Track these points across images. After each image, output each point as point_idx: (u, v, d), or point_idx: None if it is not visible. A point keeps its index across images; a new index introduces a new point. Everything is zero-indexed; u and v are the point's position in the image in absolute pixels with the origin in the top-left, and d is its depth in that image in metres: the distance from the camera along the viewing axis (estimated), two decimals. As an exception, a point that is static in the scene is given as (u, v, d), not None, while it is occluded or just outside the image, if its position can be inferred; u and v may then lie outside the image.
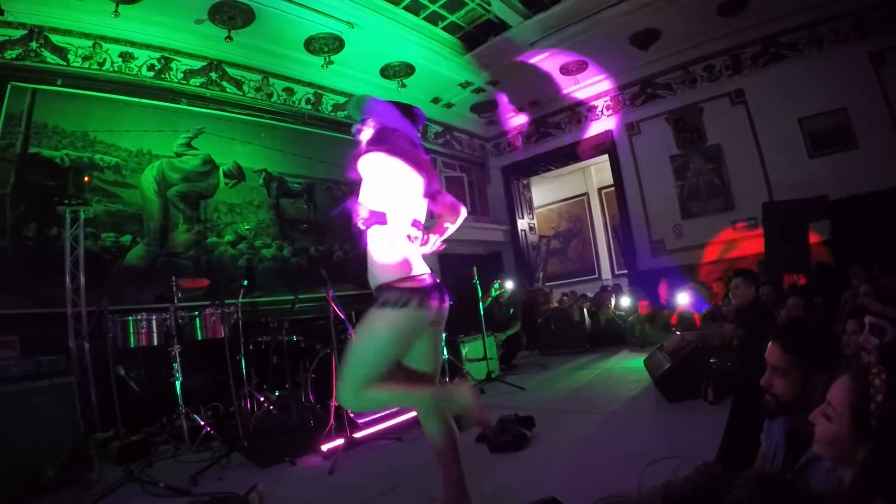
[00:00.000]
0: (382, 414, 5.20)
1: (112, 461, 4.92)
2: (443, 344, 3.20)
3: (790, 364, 2.02)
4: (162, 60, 7.81)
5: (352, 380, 2.77)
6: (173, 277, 5.77)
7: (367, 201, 2.87)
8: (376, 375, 2.73)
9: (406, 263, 2.83)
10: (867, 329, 3.20)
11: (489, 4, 8.62)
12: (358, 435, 4.90)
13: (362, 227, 2.85)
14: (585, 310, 10.57)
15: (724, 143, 10.14)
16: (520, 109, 12.91)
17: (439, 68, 10.35)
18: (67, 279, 6.00)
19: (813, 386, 1.93)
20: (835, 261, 7.52)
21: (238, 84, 8.72)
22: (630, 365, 7.63)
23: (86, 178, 6.54)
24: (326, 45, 9.02)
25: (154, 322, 5.61)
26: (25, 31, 6.64)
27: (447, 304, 3.01)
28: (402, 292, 2.73)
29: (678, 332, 6.31)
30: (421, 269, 2.89)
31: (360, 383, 2.74)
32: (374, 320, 2.76)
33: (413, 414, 5.52)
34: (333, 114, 10.07)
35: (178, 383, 5.38)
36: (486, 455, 4.33)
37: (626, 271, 12.67)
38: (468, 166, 13.47)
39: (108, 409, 5.37)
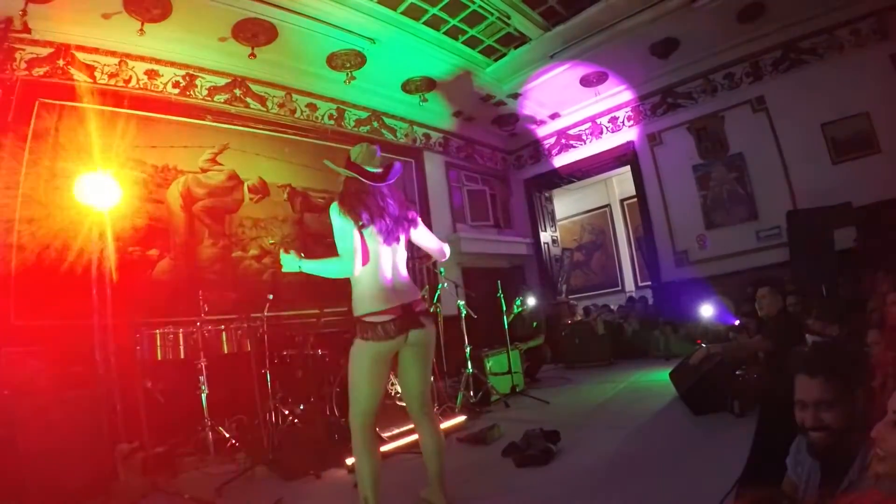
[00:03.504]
0: (407, 428, 5.21)
1: (137, 472, 4.95)
2: (424, 365, 3.39)
3: (838, 393, 1.91)
4: (187, 77, 7.93)
5: (351, 408, 3.26)
6: (200, 291, 5.83)
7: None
8: (361, 404, 3.20)
9: (371, 298, 3.19)
10: None
11: (509, 18, 8.65)
12: (382, 449, 4.88)
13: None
14: (604, 322, 10.51)
15: (746, 152, 10.02)
16: (541, 122, 12.91)
17: (460, 82, 10.38)
18: (94, 292, 6.07)
19: (862, 401, 1.89)
20: (860, 268, 7.40)
21: (262, 100, 8.81)
22: (655, 378, 7.55)
23: None
24: (349, 61, 9.09)
25: (181, 335, 5.67)
26: (52, 49, 6.78)
27: (422, 330, 3.29)
28: (362, 325, 3.16)
29: (703, 345, 6.24)
30: (390, 302, 3.19)
31: (354, 412, 3.22)
32: (351, 352, 3.24)
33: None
34: (356, 129, 10.15)
35: (203, 396, 5.43)
36: (513, 469, 4.30)
37: (649, 283, 12.58)
38: (490, 179, 13.47)
39: (133, 421, 5.42)
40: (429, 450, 3.41)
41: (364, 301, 3.19)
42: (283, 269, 3.32)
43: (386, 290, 3.20)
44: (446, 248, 3.74)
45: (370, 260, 3.20)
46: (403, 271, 3.38)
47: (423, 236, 3.63)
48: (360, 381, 3.19)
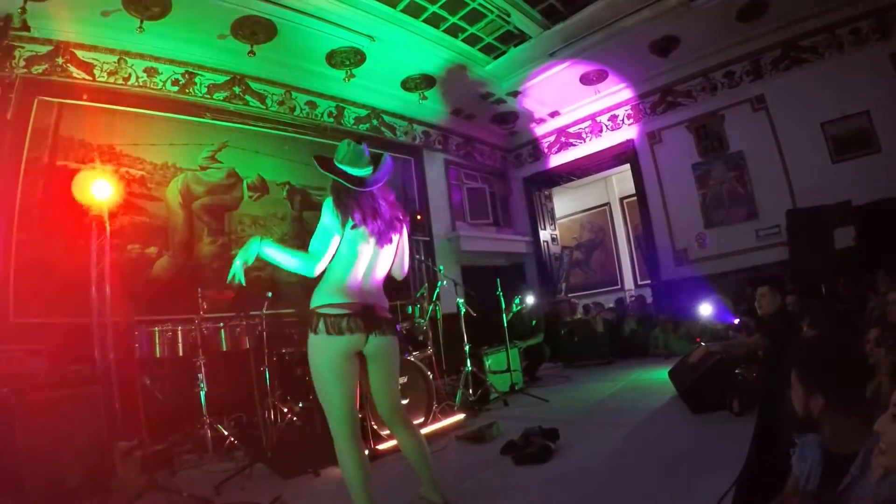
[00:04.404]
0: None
1: (136, 470, 4.96)
2: (389, 379, 3.28)
3: (795, 379, 2.01)
4: (186, 75, 7.93)
5: (329, 419, 3.08)
6: (199, 289, 5.83)
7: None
8: (338, 411, 3.02)
9: (331, 291, 3.06)
10: None
11: (508, 16, 8.64)
12: (381, 447, 4.90)
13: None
14: (604, 321, 10.52)
15: (746, 150, 10.04)
16: (540, 120, 12.90)
17: (460, 80, 10.39)
18: (93, 289, 6.08)
19: (814, 405, 1.91)
20: (860, 268, 7.39)
21: (261, 98, 8.81)
22: (654, 376, 7.56)
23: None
24: (348, 59, 9.09)
25: (180, 333, 5.67)
26: (52, 47, 6.79)
27: (382, 338, 3.16)
28: (315, 317, 3.00)
29: (703, 343, 6.24)
30: (350, 298, 3.06)
31: (333, 422, 3.04)
32: (309, 357, 3.08)
33: (435, 426, 5.56)
34: (355, 127, 10.15)
35: (202, 393, 5.43)
36: (511, 467, 4.30)
37: (649, 281, 12.58)
38: (490, 177, 13.49)
39: (132, 418, 5.42)
40: (410, 453, 3.34)
41: (323, 293, 3.07)
42: (242, 261, 3.10)
43: (352, 287, 3.09)
44: (406, 268, 3.57)
45: (349, 258, 3.10)
46: (379, 275, 3.27)
47: (403, 245, 3.48)
48: (327, 386, 3.03)
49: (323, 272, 3.12)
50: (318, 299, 3.07)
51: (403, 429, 3.35)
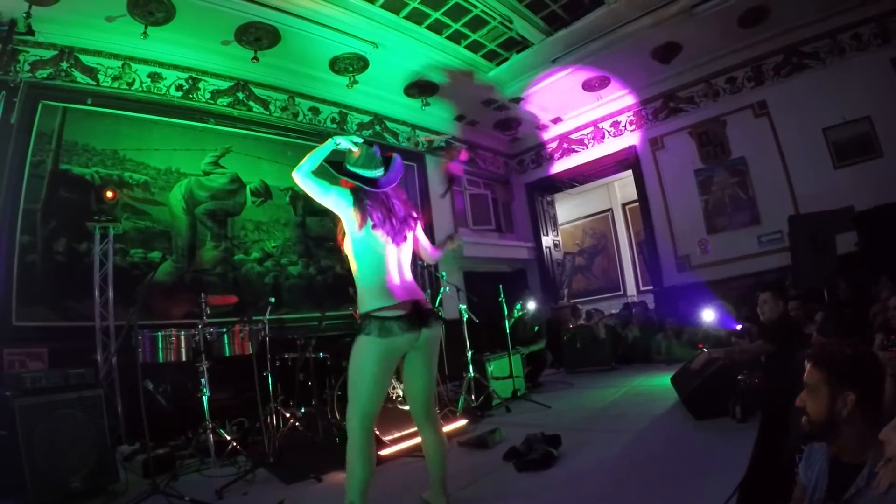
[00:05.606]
0: (408, 432, 5.20)
1: (137, 474, 4.97)
2: (431, 368, 3.32)
3: (818, 381, 1.94)
4: (190, 81, 7.96)
5: (350, 409, 3.13)
6: (202, 294, 5.83)
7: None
8: (363, 405, 3.08)
9: (378, 293, 3.13)
10: None
11: (511, 22, 8.67)
12: (384, 452, 4.88)
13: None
14: (606, 327, 10.49)
15: (748, 156, 10.05)
16: (543, 126, 12.93)
17: (462, 86, 10.42)
18: (96, 293, 6.10)
19: (841, 405, 1.88)
20: (862, 273, 7.38)
21: (264, 104, 8.85)
22: (657, 382, 7.53)
23: (109, 194, 6.57)
24: (351, 65, 9.13)
25: (183, 338, 5.65)
26: (56, 52, 6.84)
27: (431, 329, 3.23)
28: (372, 321, 3.06)
29: (705, 349, 6.22)
30: (399, 297, 3.13)
31: (354, 413, 3.09)
32: (354, 349, 3.13)
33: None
34: (359, 132, 10.16)
35: (205, 398, 5.42)
36: (513, 474, 4.28)
37: (651, 287, 12.56)
38: (492, 183, 13.50)
39: (134, 423, 5.42)
40: (432, 454, 3.38)
41: (371, 296, 3.12)
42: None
43: (393, 287, 3.16)
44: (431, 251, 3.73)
45: (376, 260, 3.18)
46: (408, 272, 3.35)
47: (420, 236, 3.62)
48: (363, 380, 3.09)
49: (357, 281, 3.23)
50: (369, 304, 3.12)
51: (432, 429, 3.41)
